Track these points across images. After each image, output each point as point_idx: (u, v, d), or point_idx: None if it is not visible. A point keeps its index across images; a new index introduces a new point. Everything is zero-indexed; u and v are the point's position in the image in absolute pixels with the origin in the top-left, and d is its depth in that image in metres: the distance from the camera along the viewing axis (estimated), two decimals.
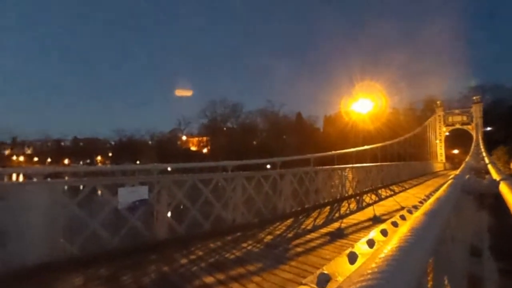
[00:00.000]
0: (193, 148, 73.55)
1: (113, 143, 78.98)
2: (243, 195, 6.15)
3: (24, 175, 4.63)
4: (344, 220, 6.65)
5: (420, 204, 1.58)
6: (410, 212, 1.49)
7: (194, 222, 5.21)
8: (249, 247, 4.68)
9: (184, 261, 4.08)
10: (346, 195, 10.13)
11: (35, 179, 4.09)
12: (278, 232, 5.64)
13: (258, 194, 6.50)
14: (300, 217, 7.02)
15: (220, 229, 5.55)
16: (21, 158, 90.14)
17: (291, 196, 7.39)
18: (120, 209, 4.37)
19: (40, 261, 3.49)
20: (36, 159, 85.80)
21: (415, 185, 15.37)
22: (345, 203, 9.08)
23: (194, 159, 56.76)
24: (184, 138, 73.34)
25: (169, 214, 4.92)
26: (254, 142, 63.14)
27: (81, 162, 74.68)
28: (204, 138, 71.05)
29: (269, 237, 5.32)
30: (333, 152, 11.34)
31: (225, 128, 67.07)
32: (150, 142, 71.39)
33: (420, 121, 45.94)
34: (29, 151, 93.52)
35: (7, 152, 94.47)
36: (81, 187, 4.23)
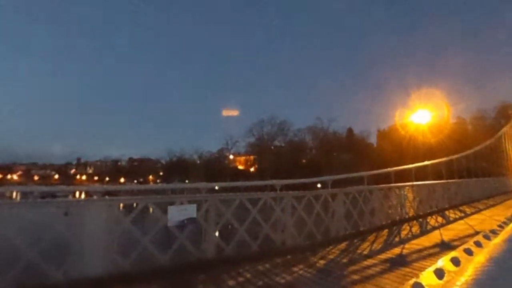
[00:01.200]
0: (241, 167, 75.24)
1: (163, 162, 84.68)
2: (293, 216, 6.03)
3: (85, 193, 5.16)
4: (406, 245, 6.09)
5: (500, 229, 1.38)
6: (487, 238, 1.30)
7: (242, 242, 5.22)
8: (300, 272, 4.52)
9: (232, 282, 4.08)
10: (407, 216, 9.32)
11: (95, 197, 4.52)
12: (331, 257, 5.37)
13: (308, 215, 6.31)
14: (355, 240, 6.62)
15: (269, 250, 5.48)
16: (84, 177, 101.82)
17: (344, 218, 7.04)
18: (169, 226, 4.59)
19: (96, 274, 3.80)
20: (96, 178, 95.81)
21: (492, 206, 13.54)
22: (405, 226, 8.35)
23: (241, 178, 57.71)
24: (231, 157, 75.33)
25: (216, 233, 5.02)
26: (304, 161, 62.28)
27: (135, 181, 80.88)
28: (251, 157, 72.28)
29: (322, 261, 5.09)
30: (389, 169, 10.58)
31: (272, 147, 67.34)
32: (198, 162, 74.71)
33: (493, 130, 40.86)
34: (90, 171, 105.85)
35: (72, 171, 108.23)
36: (135, 204, 4.58)
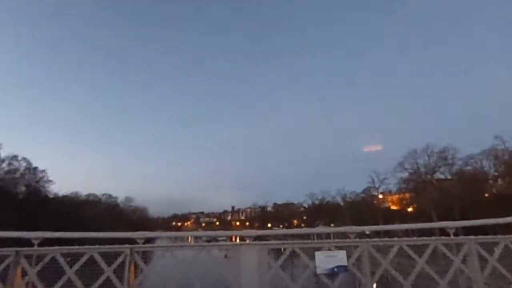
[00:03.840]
0: (394, 207, 66.78)
1: (306, 206, 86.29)
2: (484, 270, 4.58)
3: (239, 237, 5.70)
4: None
5: None
6: None
7: None
8: None
9: None
10: None
11: (247, 241, 4.91)
12: None
13: (510, 269, 4.65)
14: None
15: None
16: (238, 223, 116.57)
17: None
18: (318, 274, 4.39)
19: None
20: (247, 223, 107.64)
21: None
22: None
23: (395, 220, 51.02)
24: (380, 196, 68.22)
25: (374, 285, 4.40)
26: (486, 194, 48.87)
27: (280, 226, 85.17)
28: (407, 195, 62.64)
29: None
30: None
31: (434, 181, 56.51)
32: (342, 203, 71.76)
33: None
34: (242, 217, 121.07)
35: (228, 218, 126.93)
36: (282, 249, 4.69)
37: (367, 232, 6.00)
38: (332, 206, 71.89)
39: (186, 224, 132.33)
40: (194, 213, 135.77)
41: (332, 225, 59.87)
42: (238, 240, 5.86)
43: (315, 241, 5.14)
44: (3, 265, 4.48)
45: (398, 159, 58.36)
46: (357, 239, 4.80)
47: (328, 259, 4.50)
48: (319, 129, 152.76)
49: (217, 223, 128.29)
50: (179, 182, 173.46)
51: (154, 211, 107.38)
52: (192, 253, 4.85)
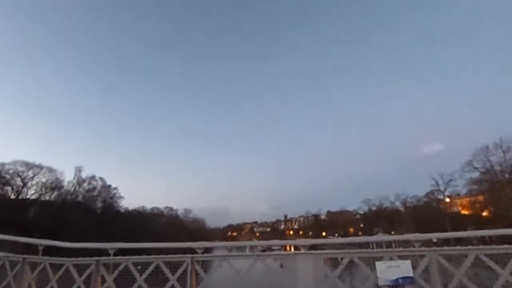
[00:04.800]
0: (464, 212, 59.43)
1: (361, 213, 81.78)
2: None
3: (294, 247, 5.62)
4: None
5: None
6: None
7: None
8: None
9: None
10: None
11: (302, 250, 4.82)
12: None
13: None
14: None
15: None
16: (291, 232, 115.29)
17: None
18: (381, 286, 4.10)
19: None
20: (301, 232, 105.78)
21: None
22: None
23: (466, 226, 45.45)
24: (447, 200, 61.08)
25: None
26: None
27: (336, 234, 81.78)
28: (480, 197, 54.61)
29: None
30: None
31: None
32: (402, 209, 66.32)
33: None
34: (295, 226, 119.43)
35: (282, 227, 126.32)
36: (339, 258, 4.50)
37: (434, 240, 5.46)
38: (391, 212, 66.64)
39: (241, 234, 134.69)
40: (248, 223, 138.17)
41: (392, 232, 55.60)
42: (292, 250, 5.79)
43: (375, 250, 4.82)
44: (87, 272, 5.04)
45: (465, 157, 51.02)
46: (423, 248, 4.39)
47: (390, 269, 4.18)
48: (373, 130, 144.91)
49: (271, 232, 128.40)
50: (232, 193, 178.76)
51: (211, 222, 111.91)
52: (248, 262, 4.92)
